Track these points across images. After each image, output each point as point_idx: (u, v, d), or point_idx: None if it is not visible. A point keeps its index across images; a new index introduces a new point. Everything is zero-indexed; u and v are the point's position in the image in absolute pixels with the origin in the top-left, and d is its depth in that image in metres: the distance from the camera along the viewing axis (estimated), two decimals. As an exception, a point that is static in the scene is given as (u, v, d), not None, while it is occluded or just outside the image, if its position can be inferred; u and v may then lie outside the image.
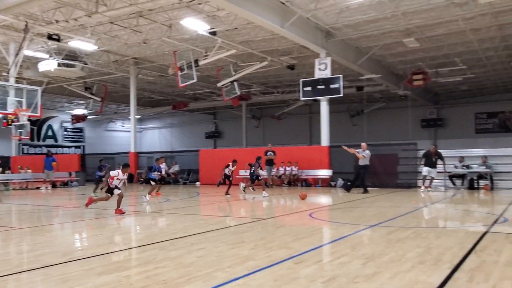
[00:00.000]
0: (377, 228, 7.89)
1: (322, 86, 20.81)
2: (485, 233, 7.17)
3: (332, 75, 20.62)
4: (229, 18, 17.71)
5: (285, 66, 23.74)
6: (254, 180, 16.59)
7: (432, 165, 18.01)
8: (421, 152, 22.41)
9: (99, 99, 29.74)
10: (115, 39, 20.59)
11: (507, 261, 5.17)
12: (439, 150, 18.50)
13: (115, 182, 10.35)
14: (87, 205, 10.80)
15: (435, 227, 8.64)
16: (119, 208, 10.20)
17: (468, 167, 18.97)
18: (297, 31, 17.72)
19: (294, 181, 22.09)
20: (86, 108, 34.08)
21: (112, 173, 10.41)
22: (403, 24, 18.43)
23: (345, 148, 17.93)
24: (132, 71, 26.37)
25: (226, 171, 16.24)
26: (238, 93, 24.56)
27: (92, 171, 32.30)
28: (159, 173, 14.92)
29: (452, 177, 19.50)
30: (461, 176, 19.29)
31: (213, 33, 18.24)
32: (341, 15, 17.66)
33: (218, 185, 16.93)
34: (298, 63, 23.87)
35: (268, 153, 21.73)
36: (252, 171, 16.60)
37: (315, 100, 22.99)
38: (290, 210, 10.99)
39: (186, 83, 21.13)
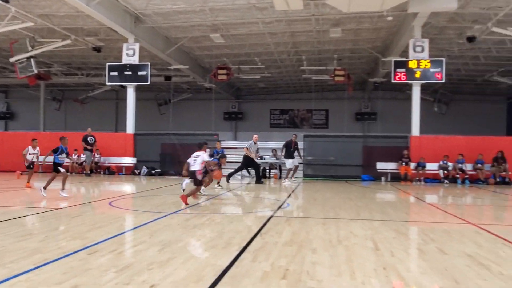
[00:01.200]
0: (176, 215, 8.16)
1: (130, 72, 20.38)
2: (270, 217, 8.05)
3: (140, 61, 20.34)
4: (25, -13, 15.91)
5: (90, 48, 22.38)
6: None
7: (292, 155, 18.14)
8: (222, 143, 23.84)
9: None
10: None
11: (285, 241, 5.92)
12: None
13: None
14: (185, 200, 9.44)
15: (229, 213, 9.33)
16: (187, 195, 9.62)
17: (261, 158, 20.89)
18: (104, 12, 16.92)
19: (96, 169, 21.11)
20: None
21: (205, 156, 9.74)
22: (211, 20, 19.23)
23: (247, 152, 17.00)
24: None
25: (29, 157, 14.13)
26: (35, 71, 22.18)
27: None
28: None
29: (248, 166, 21.22)
30: (255, 166, 21.16)
31: (5, 0, 16.09)
32: (151, 1, 17.50)
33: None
34: (105, 46, 22.78)
35: (89, 138, 20.34)
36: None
37: (122, 86, 22.34)
38: (89, 199, 10.52)
39: (-32, 54, 18.20)
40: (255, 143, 16.98)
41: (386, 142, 21.64)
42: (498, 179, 18.32)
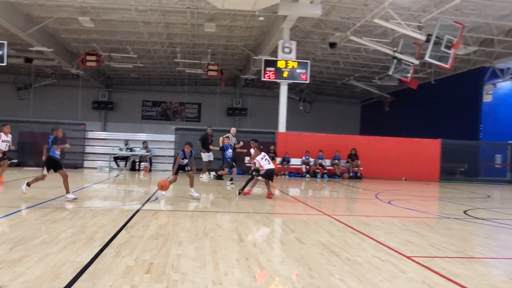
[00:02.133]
0: (34, 209, 7.59)
1: (-19, 51, 18.28)
2: (137, 211, 7.91)
3: (-6, 40, 18.35)
4: None
5: None
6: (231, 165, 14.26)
7: (208, 149, 17.12)
8: (90, 134, 22.69)
9: None
10: None
11: (151, 234, 5.89)
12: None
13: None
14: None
15: (93, 206, 8.91)
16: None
17: (131, 150, 20.33)
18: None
19: None
20: None
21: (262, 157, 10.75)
22: (79, 1, 18.06)
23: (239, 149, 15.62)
24: None
25: (2, 146, 12.10)
26: None
27: None
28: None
29: (116, 158, 20.51)
30: (125, 158, 20.52)
31: None
32: (10, -25, 15.87)
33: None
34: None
35: None
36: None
37: (-29, 65, 19.92)
38: None
39: None
40: (233, 135, 15.86)
41: (254, 137, 22.43)
42: (351, 174, 20.25)
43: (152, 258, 4.65)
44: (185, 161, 10.47)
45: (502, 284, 4.35)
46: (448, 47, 16.84)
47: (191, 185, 10.37)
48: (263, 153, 11.07)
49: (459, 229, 7.66)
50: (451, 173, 21.90)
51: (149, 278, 3.98)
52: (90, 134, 22.74)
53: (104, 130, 32.25)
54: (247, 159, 20.64)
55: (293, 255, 5.16)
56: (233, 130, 16.25)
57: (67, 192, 9.00)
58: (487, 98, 23.85)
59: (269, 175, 10.98)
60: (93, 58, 23.27)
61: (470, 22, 18.53)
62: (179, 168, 10.37)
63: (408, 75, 20.97)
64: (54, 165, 9.01)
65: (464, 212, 9.80)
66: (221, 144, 15.04)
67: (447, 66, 17.47)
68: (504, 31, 20.27)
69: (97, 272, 4.11)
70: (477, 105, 24.38)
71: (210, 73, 24.34)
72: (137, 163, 20.46)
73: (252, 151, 12.02)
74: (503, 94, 24.77)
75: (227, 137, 14.99)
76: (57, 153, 9.01)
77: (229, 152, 14.40)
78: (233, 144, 14.95)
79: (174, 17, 19.75)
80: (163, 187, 9.95)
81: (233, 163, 14.47)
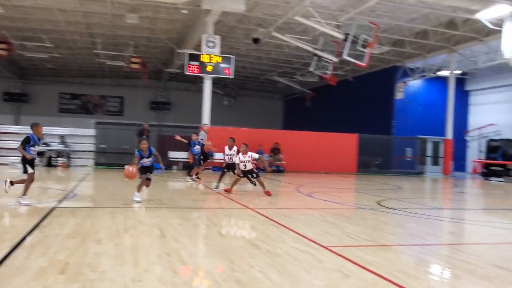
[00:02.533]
0: None
1: None
2: (53, 209, 7.56)
3: None
4: None
5: None
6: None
7: None
8: (1, 128, 21.23)
9: None
10: None
11: (67, 233, 5.67)
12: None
13: None
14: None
15: (3, 205, 8.37)
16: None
17: (47, 145, 19.28)
18: None
19: None
20: None
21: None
22: (-14, -15, 16.77)
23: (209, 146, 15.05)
24: None
25: None
26: None
27: None
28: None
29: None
30: (41, 154, 19.41)
31: None
32: None
33: None
34: None
35: None
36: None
37: None
38: None
39: None
40: (205, 132, 15.62)
41: (178, 132, 22.21)
42: (274, 168, 20.70)
43: (67, 258, 4.49)
44: (146, 161, 9.09)
45: (410, 269, 4.71)
46: (364, 46, 17.71)
47: (138, 189, 9.10)
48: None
49: (372, 219, 8.14)
50: (367, 166, 23.09)
51: (63, 279, 3.84)
52: (1, 128, 21.25)
53: (17, 123, 30.22)
54: (171, 154, 20.41)
55: (215, 249, 5.22)
56: (206, 126, 16.65)
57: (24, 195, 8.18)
58: (398, 95, 25.44)
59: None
60: (3, 46, 21.77)
61: (384, 24, 19.61)
62: (143, 170, 9.14)
63: (328, 72, 21.80)
64: (28, 164, 8.07)
65: (378, 202, 10.42)
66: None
67: (363, 64, 18.36)
68: (414, 33, 21.71)
69: (6, 274, 3.90)
70: (390, 102, 25.92)
71: (132, 65, 23.68)
72: (54, 159, 19.46)
73: (226, 148, 12.06)
74: (413, 91, 26.60)
75: (195, 133, 14.93)
76: (32, 152, 8.07)
77: (197, 148, 14.30)
78: (199, 141, 14.70)
79: (93, 6, 18.90)
80: (129, 176, 8.67)
81: (201, 160, 14.32)
